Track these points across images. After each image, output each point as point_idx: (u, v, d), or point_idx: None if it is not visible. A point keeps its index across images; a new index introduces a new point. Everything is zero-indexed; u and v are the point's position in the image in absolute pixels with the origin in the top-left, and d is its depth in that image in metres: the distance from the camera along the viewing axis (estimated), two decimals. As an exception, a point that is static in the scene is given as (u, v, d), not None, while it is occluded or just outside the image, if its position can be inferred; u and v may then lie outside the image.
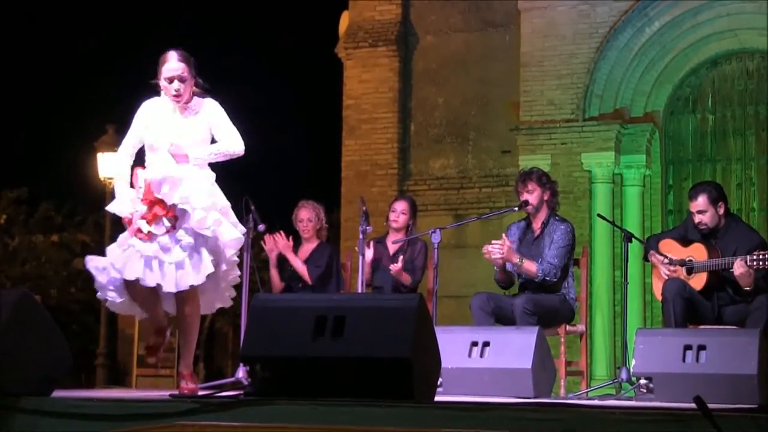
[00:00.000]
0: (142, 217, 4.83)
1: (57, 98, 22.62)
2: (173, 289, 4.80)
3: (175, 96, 4.99)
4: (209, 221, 4.83)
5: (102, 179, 13.78)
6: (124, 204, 4.93)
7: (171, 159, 4.93)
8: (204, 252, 4.83)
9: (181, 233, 4.81)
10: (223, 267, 4.96)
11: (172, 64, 4.99)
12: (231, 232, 4.92)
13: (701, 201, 6.17)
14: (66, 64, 22.67)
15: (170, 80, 4.98)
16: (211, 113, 5.06)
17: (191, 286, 4.81)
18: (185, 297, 4.86)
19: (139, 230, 4.83)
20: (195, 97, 5.06)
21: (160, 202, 4.86)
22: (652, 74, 10.52)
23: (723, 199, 6.23)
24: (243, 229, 5.11)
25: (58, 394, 4.51)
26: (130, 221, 4.90)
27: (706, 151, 10.59)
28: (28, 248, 19.34)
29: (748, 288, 5.94)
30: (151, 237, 4.81)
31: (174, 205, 4.85)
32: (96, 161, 13.90)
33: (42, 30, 23.12)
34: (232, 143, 5.04)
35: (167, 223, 4.82)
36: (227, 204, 5.03)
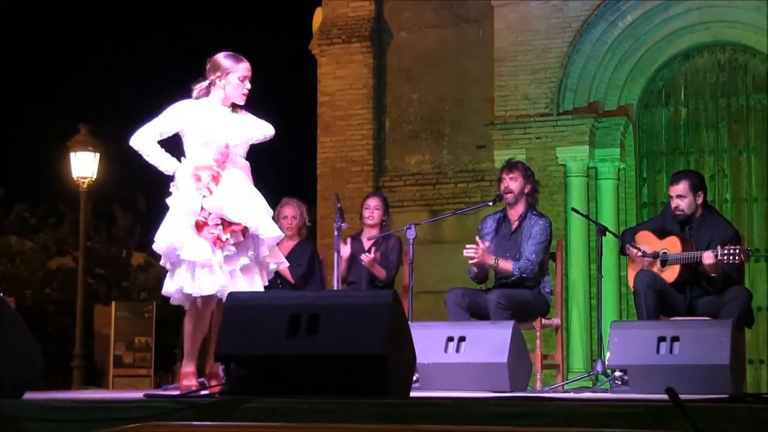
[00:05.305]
0: (217, 225, 4.93)
1: (29, 98, 22.47)
2: (210, 292, 4.95)
3: (245, 95, 5.14)
4: (271, 257, 5.08)
5: (75, 179, 13.67)
6: (191, 199, 4.96)
7: (242, 177, 5.09)
8: (257, 278, 5.07)
9: (244, 255, 5.00)
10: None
11: (247, 65, 5.15)
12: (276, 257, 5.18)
13: (682, 186, 6.21)
14: (38, 64, 22.54)
15: (245, 79, 5.13)
16: (247, 115, 5.25)
17: None
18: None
19: (218, 238, 4.92)
20: None
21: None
22: (626, 68, 10.56)
23: (703, 189, 6.28)
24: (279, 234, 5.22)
25: (30, 396, 4.47)
26: (204, 224, 4.94)
27: (679, 144, 10.65)
28: (2, 249, 19.18)
29: (714, 275, 5.98)
30: (225, 245, 4.94)
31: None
32: (69, 161, 13.79)
33: (14, 31, 22.96)
34: (266, 127, 5.26)
35: (242, 237, 4.98)
36: (262, 200, 5.16)
